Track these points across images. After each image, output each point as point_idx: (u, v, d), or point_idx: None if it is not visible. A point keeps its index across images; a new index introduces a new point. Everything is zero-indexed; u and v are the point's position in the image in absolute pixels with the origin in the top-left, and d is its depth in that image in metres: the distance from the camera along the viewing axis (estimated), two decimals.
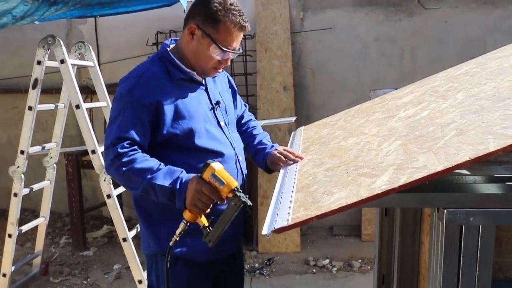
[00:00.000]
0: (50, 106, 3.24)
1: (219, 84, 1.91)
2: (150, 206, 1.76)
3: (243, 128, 2.07)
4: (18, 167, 3.11)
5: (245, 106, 2.15)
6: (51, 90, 4.42)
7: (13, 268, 3.29)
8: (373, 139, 1.59)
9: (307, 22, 4.54)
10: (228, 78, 2.01)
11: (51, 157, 3.48)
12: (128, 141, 1.62)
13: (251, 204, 1.50)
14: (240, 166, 1.85)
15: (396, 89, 2.60)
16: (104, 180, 2.91)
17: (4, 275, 3.26)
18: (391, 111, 1.91)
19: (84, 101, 3.22)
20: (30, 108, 3.01)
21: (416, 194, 1.28)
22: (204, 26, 1.66)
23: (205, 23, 1.65)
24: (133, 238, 3.03)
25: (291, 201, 1.33)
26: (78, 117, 2.92)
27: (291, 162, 1.78)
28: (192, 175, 1.56)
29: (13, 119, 5.24)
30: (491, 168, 1.68)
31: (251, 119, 2.14)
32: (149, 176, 1.55)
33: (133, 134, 1.63)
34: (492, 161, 1.72)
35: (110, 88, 4.40)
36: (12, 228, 3.20)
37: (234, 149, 1.83)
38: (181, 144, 1.70)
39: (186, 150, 1.71)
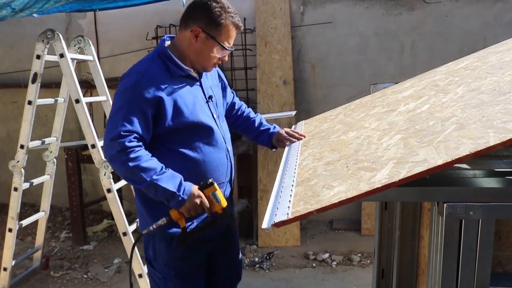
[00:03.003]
0: (50, 101, 3.24)
1: (211, 79, 2.06)
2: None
3: (238, 113, 2.28)
4: (18, 161, 3.11)
5: (233, 92, 2.31)
6: (51, 85, 4.42)
7: (13, 262, 3.29)
8: (373, 133, 1.59)
9: (307, 16, 4.52)
10: (218, 72, 2.15)
11: (51, 152, 3.48)
12: (135, 135, 1.76)
13: (229, 223, 1.97)
14: (230, 155, 2.05)
15: (396, 83, 2.60)
16: (104, 175, 2.91)
17: (4, 269, 3.27)
18: (391, 105, 1.90)
19: (84, 95, 3.22)
20: (29, 103, 3.01)
21: (416, 188, 1.28)
22: (208, 29, 1.83)
23: (209, 26, 1.83)
24: (133, 232, 3.04)
25: (291, 195, 1.33)
26: (77, 111, 2.92)
27: (295, 140, 2.08)
28: (192, 185, 1.79)
29: (13, 113, 5.23)
30: (491, 162, 1.68)
31: (242, 103, 2.33)
32: (154, 177, 1.73)
33: (138, 127, 1.76)
34: (492, 155, 1.72)
35: (110, 82, 4.41)
36: (12, 222, 3.20)
37: (225, 140, 2.01)
38: (180, 135, 1.86)
39: (183, 141, 1.87)
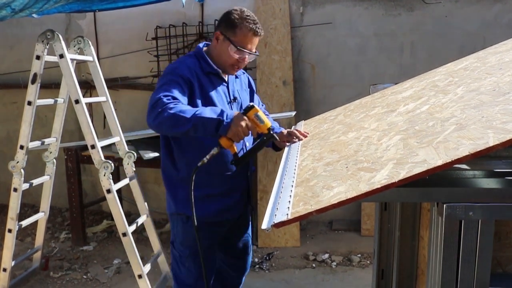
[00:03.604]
0: (50, 101, 3.23)
1: (239, 84, 2.32)
2: (172, 174, 2.21)
3: None
4: (18, 162, 3.11)
5: (262, 105, 2.56)
6: (51, 85, 4.42)
7: (13, 263, 3.29)
8: (373, 134, 1.59)
9: (307, 17, 4.53)
10: (248, 79, 2.44)
11: (51, 152, 3.48)
12: (172, 97, 1.95)
13: (278, 139, 2.03)
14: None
15: (396, 83, 2.60)
16: (104, 175, 2.90)
17: (4, 269, 3.26)
18: (391, 106, 1.90)
19: (84, 96, 3.21)
20: (29, 103, 3.00)
21: (416, 188, 1.29)
22: (225, 32, 2.10)
23: (226, 29, 2.10)
24: (132, 233, 3.04)
25: (290, 196, 1.33)
26: (77, 112, 2.92)
27: (296, 140, 2.15)
28: (234, 111, 1.98)
29: (12, 114, 5.23)
30: (490, 162, 1.68)
31: (263, 108, 2.53)
32: (197, 113, 1.87)
33: (176, 93, 1.98)
34: (492, 155, 1.72)
35: (110, 82, 4.41)
36: (12, 223, 3.20)
37: (244, 140, 2.10)
38: None
39: None
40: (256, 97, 2.49)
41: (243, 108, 1.97)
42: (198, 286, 2.25)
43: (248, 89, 2.41)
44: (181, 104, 1.93)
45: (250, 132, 1.91)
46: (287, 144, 2.18)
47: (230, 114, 1.90)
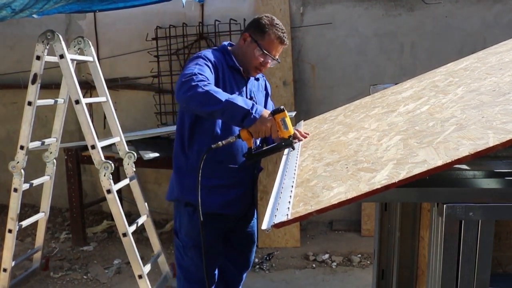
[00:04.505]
0: (50, 101, 3.23)
1: (256, 86, 2.42)
2: (182, 162, 2.28)
3: None
4: (18, 162, 3.11)
5: (272, 103, 2.60)
6: (51, 85, 4.42)
7: (13, 263, 3.29)
8: (373, 134, 1.59)
9: (307, 17, 4.53)
10: (266, 83, 2.54)
11: (51, 152, 3.48)
12: (205, 76, 2.01)
13: (295, 149, 1.99)
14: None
15: (396, 84, 2.60)
16: (104, 175, 2.90)
17: (4, 270, 3.26)
18: (391, 106, 1.90)
19: (84, 96, 3.21)
20: (29, 103, 3.01)
21: (416, 189, 1.29)
22: (254, 35, 2.23)
23: (255, 32, 2.23)
24: (133, 233, 3.04)
25: (290, 196, 1.33)
26: (77, 112, 2.92)
27: (296, 141, 2.14)
28: (264, 109, 1.99)
29: (13, 114, 5.23)
30: (490, 163, 1.68)
31: None
32: (229, 98, 1.93)
33: (208, 74, 2.06)
34: (492, 156, 1.72)
35: (110, 83, 4.42)
36: (12, 223, 3.20)
37: (255, 140, 2.24)
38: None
39: (213, 124, 2.18)
40: (270, 102, 2.56)
41: (274, 108, 2.02)
42: (199, 276, 2.30)
43: (264, 92, 2.50)
44: (213, 85, 2.00)
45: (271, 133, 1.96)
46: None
47: (260, 110, 1.96)
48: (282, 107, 1.96)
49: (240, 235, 2.53)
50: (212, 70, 2.12)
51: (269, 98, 2.57)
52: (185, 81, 1.97)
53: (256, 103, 2.21)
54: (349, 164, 1.39)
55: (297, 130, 2.26)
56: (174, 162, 2.32)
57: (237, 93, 2.23)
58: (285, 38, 2.26)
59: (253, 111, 1.93)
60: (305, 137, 2.19)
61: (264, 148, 2.12)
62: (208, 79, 2.00)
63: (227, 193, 2.28)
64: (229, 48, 2.33)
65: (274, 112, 1.95)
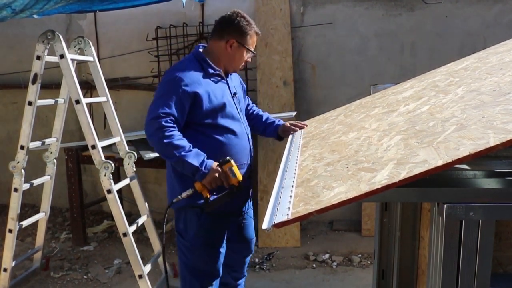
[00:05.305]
0: (50, 101, 3.23)
1: (235, 81, 2.54)
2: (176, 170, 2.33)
3: (250, 112, 2.72)
4: (18, 162, 3.11)
5: (248, 98, 2.78)
6: (51, 85, 4.42)
7: (13, 263, 3.29)
8: (373, 134, 1.59)
9: (307, 17, 4.53)
10: (239, 78, 2.64)
11: (51, 152, 3.48)
12: (171, 117, 2.16)
13: (237, 194, 2.22)
14: (250, 142, 2.47)
15: (397, 84, 2.60)
16: (104, 175, 2.91)
17: (5, 270, 3.26)
18: (392, 106, 1.91)
19: (84, 96, 3.22)
20: (30, 103, 3.01)
21: (416, 188, 1.29)
22: (240, 40, 2.34)
23: (240, 37, 2.34)
24: (133, 233, 3.04)
25: (291, 196, 1.33)
26: (78, 112, 2.92)
27: (297, 129, 2.53)
28: (212, 162, 2.16)
29: (13, 114, 5.23)
30: (491, 163, 1.68)
31: (254, 105, 2.81)
32: (183, 153, 2.11)
33: (175, 112, 2.17)
34: (492, 156, 1.72)
35: (110, 83, 4.41)
36: (12, 223, 3.20)
37: (246, 130, 2.45)
38: (210, 121, 2.28)
39: (213, 127, 2.29)
40: (246, 97, 2.75)
41: (221, 159, 2.17)
42: (207, 270, 2.43)
43: (241, 86, 2.63)
44: (176, 133, 2.15)
45: (223, 183, 2.15)
46: (291, 132, 2.55)
47: (209, 164, 2.14)
48: (227, 158, 2.16)
49: (242, 225, 2.63)
50: (184, 101, 2.19)
51: (245, 91, 2.70)
52: (150, 122, 2.16)
53: (239, 99, 2.49)
54: (349, 164, 1.39)
55: (296, 122, 2.62)
56: (176, 172, 2.34)
57: (224, 94, 2.35)
58: (258, 29, 2.42)
59: (202, 167, 2.12)
60: (306, 125, 2.54)
61: (217, 196, 2.23)
62: (173, 119, 2.15)
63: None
64: (200, 50, 2.40)
65: (221, 164, 2.16)
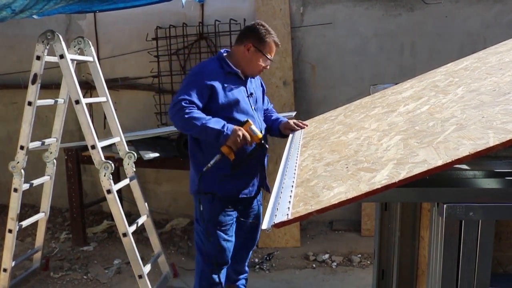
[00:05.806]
0: (50, 102, 3.23)
1: (254, 84, 2.75)
2: (198, 156, 2.58)
3: (265, 114, 2.92)
4: (18, 162, 3.11)
5: (271, 104, 3.05)
6: (51, 85, 4.42)
7: (13, 263, 3.29)
8: (373, 134, 1.59)
9: (307, 17, 4.53)
10: (260, 81, 2.87)
11: (51, 152, 3.48)
12: (190, 101, 2.39)
13: (268, 147, 2.55)
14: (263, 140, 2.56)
15: (396, 84, 2.60)
16: (104, 175, 2.90)
17: (4, 270, 3.26)
18: (391, 106, 1.91)
19: (84, 96, 3.21)
20: (29, 104, 3.00)
21: (416, 188, 1.29)
22: (257, 45, 2.56)
23: (258, 43, 2.56)
24: (133, 233, 3.04)
25: (291, 196, 1.33)
26: (77, 112, 2.92)
27: (298, 128, 2.66)
28: (233, 125, 2.37)
29: (13, 114, 5.23)
30: (491, 163, 1.68)
31: (272, 109, 3.02)
32: (204, 122, 2.34)
33: (194, 98, 2.41)
34: (492, 156, 1.72)
35: (110, 83, 4.41)
36: (12, 223, 3.20)
37: (261, 128, 2.64)
38: (226, 115, 2.46)
39: (228, 120, 2.43)
40: (265, 97, 2.94)
41: (241, 121, 2.42)
42: (219, 257, 2.64)
43: (261, 88, 2.85)
44: (195, 110, 2.37)
45: (246, 142, 2.36)
46: (291, 131, 2.67)
47: (230, 127, 2.35)
48: (245, 119, 2.42)
49: (250, 211, 2.80)
50: (203, 91, 2.43)
51: (265, 94, 2.92)
52: (172, 106, 2.41)
53: (256, 99, 2.69)
54: (349, 164, 1.39)
55: (295, 120, 2.74)
56: (191, 158, 2.62)
57: (239, 93, 2.56)
58: (277, 40, 2.63)
59: (225, 129, 2.33)
60: (303, 127, 2.65)
61: (244, 156, 2.46)
62: (192, 102, 2.38)
63: (240, 179, 2.60)
64: (225, 54, 2.64)
65: (241, 124, 2.38)
